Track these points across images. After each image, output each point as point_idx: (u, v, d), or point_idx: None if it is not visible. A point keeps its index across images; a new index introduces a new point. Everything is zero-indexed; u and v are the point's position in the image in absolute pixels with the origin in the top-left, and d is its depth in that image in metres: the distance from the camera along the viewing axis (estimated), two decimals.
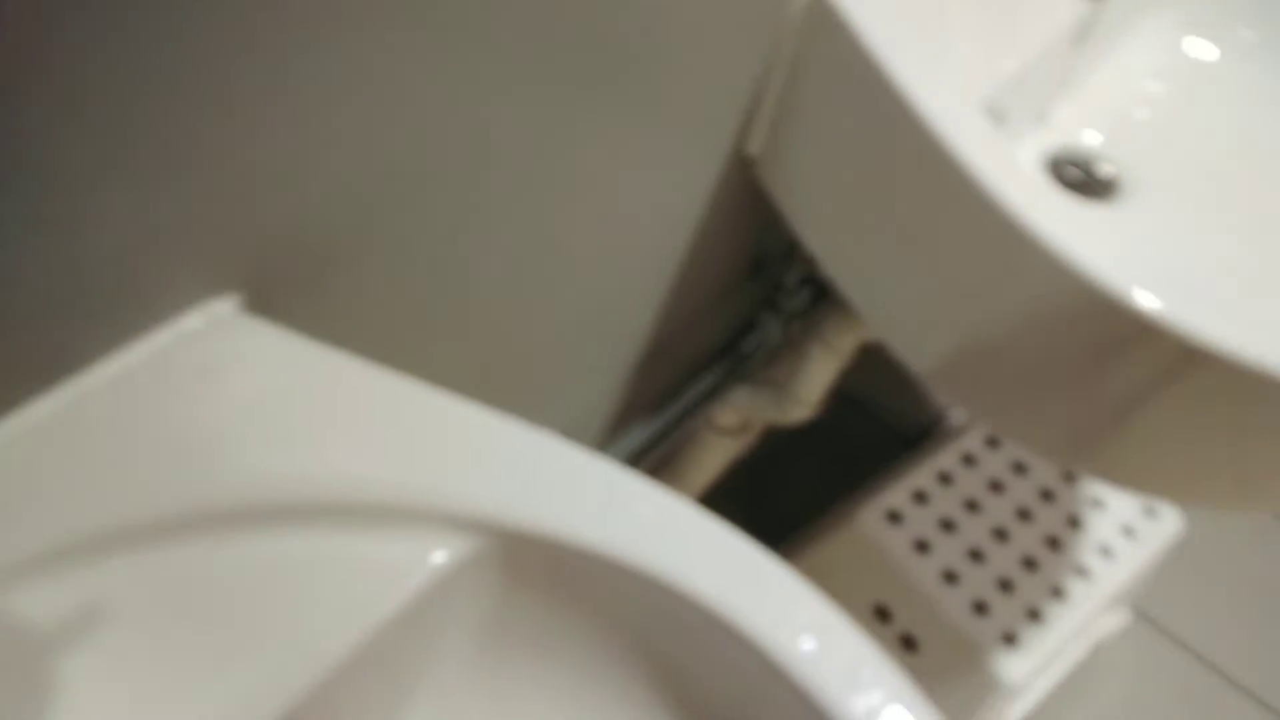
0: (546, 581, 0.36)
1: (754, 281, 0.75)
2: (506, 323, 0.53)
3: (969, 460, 0.93)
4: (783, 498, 0.98)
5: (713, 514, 0.36)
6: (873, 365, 0.85)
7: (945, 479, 0.91)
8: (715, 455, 0.81)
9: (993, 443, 0.95)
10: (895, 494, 0.89)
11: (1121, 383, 0.45)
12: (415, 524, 0.33)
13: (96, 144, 0.28)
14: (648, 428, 0.74)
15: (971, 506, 0.90)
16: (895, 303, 0.53)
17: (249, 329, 0.35)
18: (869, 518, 0.87)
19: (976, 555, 0.87)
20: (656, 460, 0.78)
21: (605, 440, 0.72)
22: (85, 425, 0.32)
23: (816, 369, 0.72)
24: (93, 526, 0.31)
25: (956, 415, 1.03)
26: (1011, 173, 0.43)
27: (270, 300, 0.36)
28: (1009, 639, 0.84)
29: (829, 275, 0.57)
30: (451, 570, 0.33)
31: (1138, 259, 0.41)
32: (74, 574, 0.30)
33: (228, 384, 0.34)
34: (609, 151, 0.50)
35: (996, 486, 0.92)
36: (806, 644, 0.34)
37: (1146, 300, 0.41)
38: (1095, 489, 0.94)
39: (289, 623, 0.31)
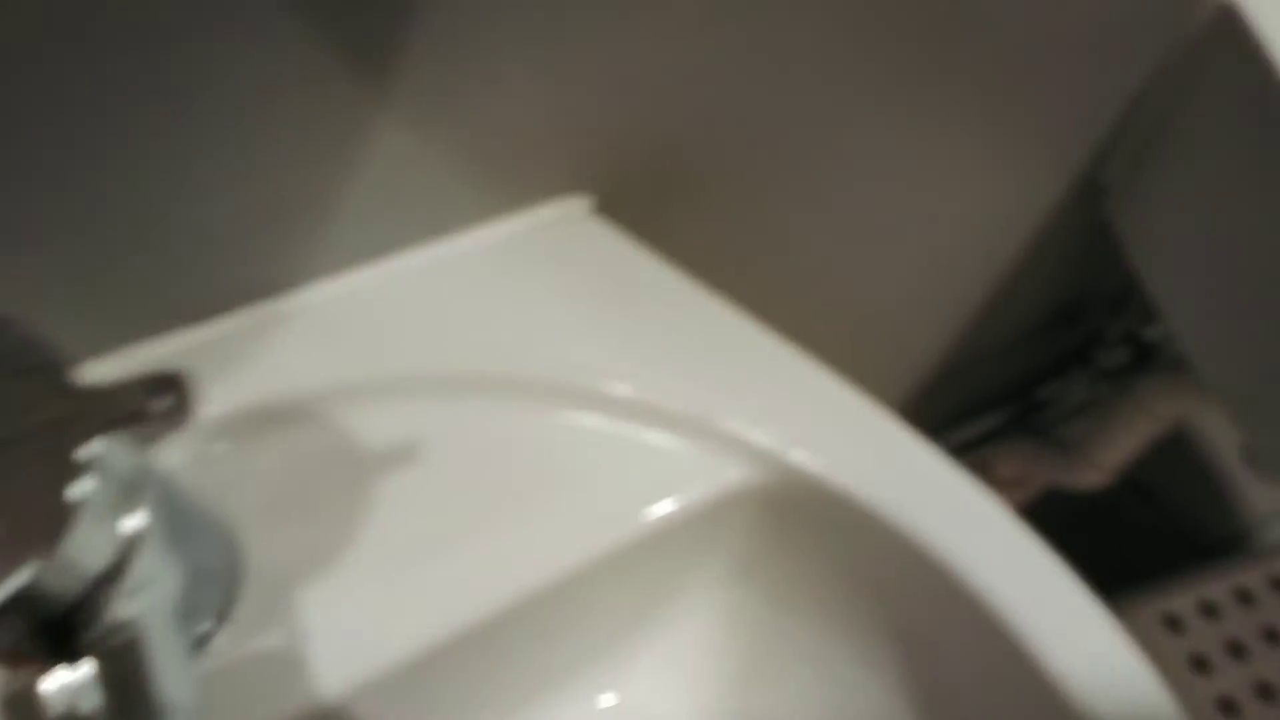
0: (812, 531, 0.36)
1: (1066, 329, 0.70)
2: (808, 296, 0.53)
3: None
4: None
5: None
6: (1174, 456, 0.77)
7: (1245, 598, 0.79)
8: None
9: None
10: (1179, 599, 0.79)
11: None
12: (711, 439, 0.34)
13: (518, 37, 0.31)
14: None
15: (1272, 637, 0.78)
16: (1269, 374, 0.46)
17: (595, 227, 0.38)
18: (1144, 618, 0.78)
19: (1266, 692, 0.75)
20: None
21: None
22: (451, 277, 0.36)
23: (1124, 434, 0.66)
24: (431, 370, 0.34)
25: (1275, 533, 0.90)
26: None
27: (616, 208, 0.39)
28: None
29: (1176, 331, 0.52)
30: (735, 490, 0.34)
31: None
32: (398, 408, 0.33)
33: (568, 269, 0.37)
34: (948, 143, 0.49)
35: None
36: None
37: None
38: None
39: (577, 495, 0.32)
